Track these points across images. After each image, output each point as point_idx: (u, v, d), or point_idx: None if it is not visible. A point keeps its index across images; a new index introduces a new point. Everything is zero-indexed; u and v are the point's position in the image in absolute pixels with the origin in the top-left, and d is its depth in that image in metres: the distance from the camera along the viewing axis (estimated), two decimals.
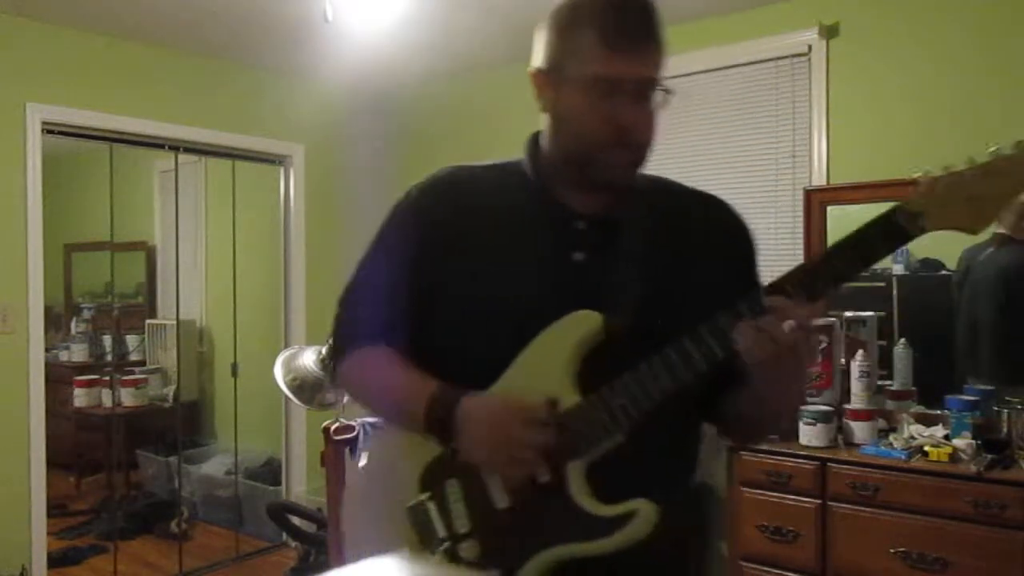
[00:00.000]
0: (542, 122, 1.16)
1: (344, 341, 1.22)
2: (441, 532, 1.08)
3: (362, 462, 1.29)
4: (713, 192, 1.24)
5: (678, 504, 1.09)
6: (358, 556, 1.11)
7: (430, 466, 1.10)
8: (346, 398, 2.75)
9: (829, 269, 0.98)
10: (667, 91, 1.07)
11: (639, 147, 1.09)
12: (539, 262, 1.10)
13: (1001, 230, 2.88)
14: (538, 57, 1.12)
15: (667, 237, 1.13)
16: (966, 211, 0.92)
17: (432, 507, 1.09)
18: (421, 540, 1.09)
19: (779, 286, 0.98)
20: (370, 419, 2.36)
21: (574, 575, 1.02)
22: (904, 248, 3.19)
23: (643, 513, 0.98)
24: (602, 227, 1.11)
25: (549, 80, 1.10)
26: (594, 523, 0.99)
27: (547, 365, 1.04)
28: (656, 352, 1.01)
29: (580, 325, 1.04)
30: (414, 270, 1.15)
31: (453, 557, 1.06)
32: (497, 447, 1.01)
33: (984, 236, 2.90)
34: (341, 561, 2.24)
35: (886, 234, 0.95)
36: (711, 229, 1.17)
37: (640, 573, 1.05)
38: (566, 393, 1.03)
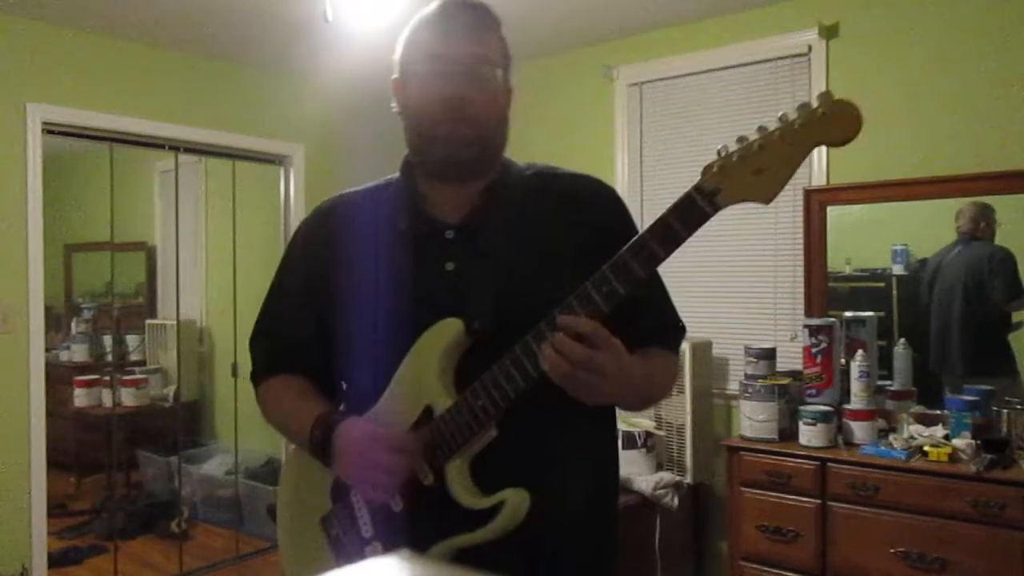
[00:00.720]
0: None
1: (256, 374, 1.34)
2: (350, 539, 1.17)
3: (279, 488, 1.36)
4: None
5: (571, 485, 1.16)
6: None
7: (337, 480, 1.19)
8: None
9: (629, 269, 0.99)
10: (497, 67, 1.16)
11: (476, 122, 1.14)
12: (415, 275, 1.17)
13: (964, 229, 2.91)
14: (394, 67, 1.22)
15: (530, 232, 1.18)
16: (755, 183, 0.96)
17: (342, 517, 1.19)
18: (334, 548, 1.18)
19: (581, 295, 1.01)
20: None
21: (484, 565, 1.07)
22: (904, 248, 3.23)
23: (511, 502, 1.04)
24: (469, 234, 1.17)
25: (399, 84, 1.20)
26: (472, 515, 1.06)
27: (422, 373, 1.12)
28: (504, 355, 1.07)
29: (445, 332, 1.11)
30: (308, 297, 1.27)
31: (363, 560, 1.11)
32: (361, 472, 1.11)
33: (947, 238, 2.94)
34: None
35: (684, 219, 0.97)
36: (574, 208, 1.21)
37: (542, 552, 1.13)
38: (440, 397, 1.10)
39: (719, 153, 0.99)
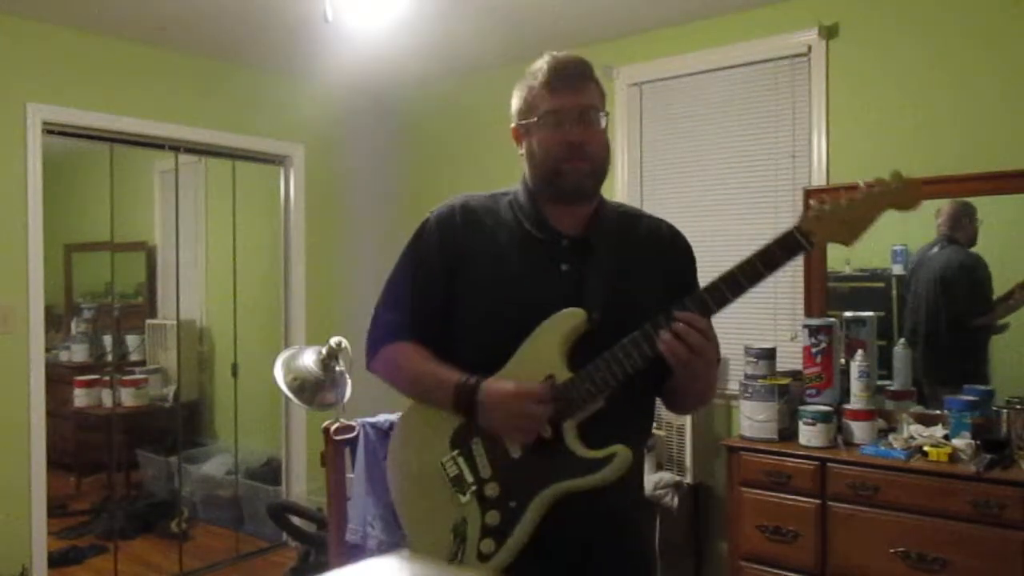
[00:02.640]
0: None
1: (378, 338, 1.54)
2: (470, 478, 1.40)
3: (392, 435, 1.58)
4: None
5: (640, 454, 1.50)
6: (409, 514, 1.50)
7: (458, 430, 1.43)
8: (346, 398, 2.75)
9: (737, 282, 1.30)
10: (606, 114, 1.45)
11: (592, 158, 1.43)
12: (536, 273, 1.43)
13: (942, 230, 2.93)
14: (512, 118, 1.49)
15: (631, 253, 1.48)
16: (842, 230, 1.30)
17: (461, 460, 1.41)
18: (454, 485, 1.40)
19: (682, 303, 1.32)
20: (370, 420, 2.36)
21: (567, 509, 1.34)
22: (904, 248, 3.23)
23: (621, 454, 1.31)
24: (580, 244, 1.45)
25: (521, 132, 1.47)
26: (586, 464, 1.33)
27: (545, 350, 1.38)
28: (621, 340, 1.34)
29: (568, 318, 1.37)
30: (437, 282, 1.47)
31: (480, 496, 1.38)
32: (510, 420, 1.35)
33: (931, 236, 2.95)
34: (341, 561, 2.24)
35: (786, 249, 1.30)
36: (658, 244, 1.54)
37: (607, 508, 1.39)
38: (560, 370, 1.36)
39: (810, 204, 1.33)
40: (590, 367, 1.34)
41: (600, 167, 1.46)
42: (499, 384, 1.37)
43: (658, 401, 1.58)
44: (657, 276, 1.48)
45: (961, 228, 2.91)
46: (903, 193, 1.34)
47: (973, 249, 2.92)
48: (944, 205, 2.92)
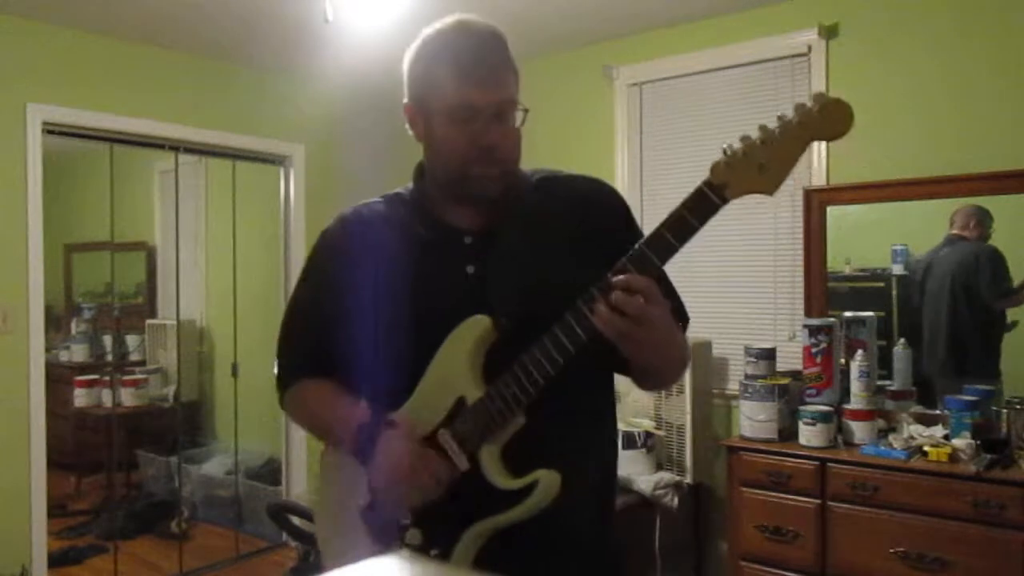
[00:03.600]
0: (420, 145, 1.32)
1: (284, 378, 1.41)
2: (391, 527, 1.23)
3: (318, 478, 1.44)
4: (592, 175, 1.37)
5: (594, 468, 1.28)
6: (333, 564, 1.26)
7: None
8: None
9: (654, 249, 1.09)
10: (524, 110, 1.22)
11: (504, 161, 1.23)
12: (437, 279, 1.26)
13: (955, 231, 2.92)
14: (406, 93, 1.27)
15: (543, 233, 1.27)
16: (760, 178, 1.07)
17: (383, 506, 1.24)
18: (375, 536, 1.25)
19: (618, 267, 1.10)
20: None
21: (508, 546, 1.17)
22: (904, 248, 3.22)
23: (544, 480, 1.12)
24: (486, 239, 1.26)
25: (416, 112, 1.26)
26: (506, 496, 1.14)
27: (453, 367, 1.21)
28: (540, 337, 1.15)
29: (473, 328, 1.19)
30: (332, 302, 1.32)
31: (402, 545, 1.22)
32: (393, 489, 1.20)
33: (941, 237, 2.94)
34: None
35: (696, 208, 1.08)
36: (577, 209, 1.30)
37: (560, 535, 1.20)
38: (470, 390, 1.19)
39: (724, 151, 1.09)
40: (499, 381, 1.16)
41: (512, 169, 1.26)
42: (392, 442, 1.20)
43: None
44: (584, 249, 1.23)
45: (971, 230, 2.90)
46: (828, 118, 1.04)
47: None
48: (959, 209, 2.91)
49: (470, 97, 1.18)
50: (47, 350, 3.69)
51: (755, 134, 1.08)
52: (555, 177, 1.35)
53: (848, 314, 3.03)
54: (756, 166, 1.07)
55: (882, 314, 3.03)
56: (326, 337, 1.33)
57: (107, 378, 5.02)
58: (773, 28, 3.29)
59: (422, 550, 1.20)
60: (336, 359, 1.32)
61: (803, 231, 3.20)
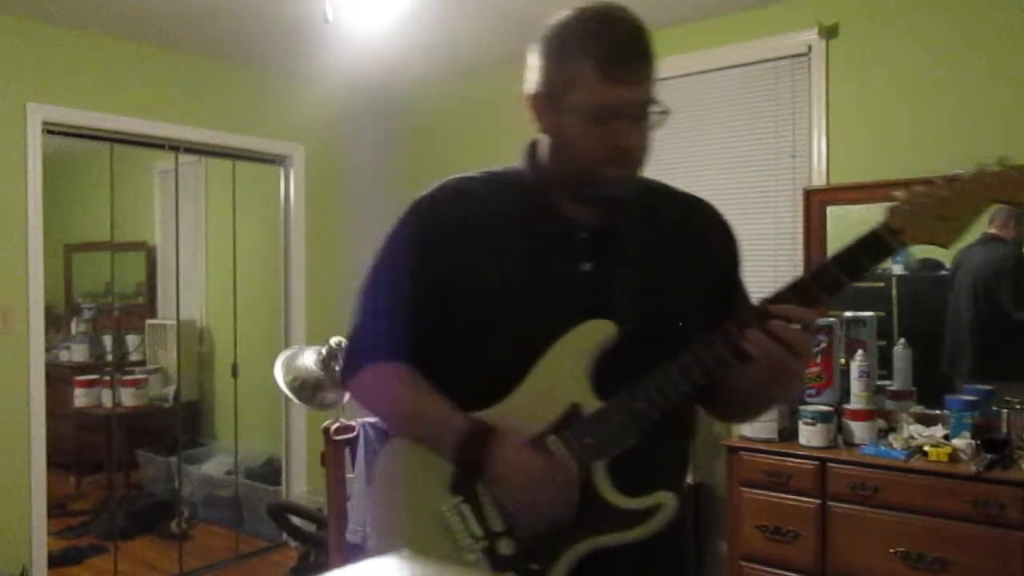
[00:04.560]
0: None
1: (357, 355, 1.26)
2: (478, 532, 1.14)
3: (377, 468, 1.28)
4: (706, 193, 1.33)
5: (681, 495, 1.18)
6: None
7: (460, 472, 1.16)
8: (346, 398, 2.75)
9: (821, 283, 1.08)
10: (663, 111, 1.13)
11: (638, 163, 1.16)
12: (549, 273, 1.16)
13: (991, 230, 2.90)
14: (532, 81, 1.16)
15: (663, 241, 1.21)
16: (940, 229, 1.06)
17: (466, 509, 1.15)
18: (456, 541, 1.15)
19: (779, 296, 1.08)
20: (370, 420, 2.36)
21: (598, 557, 1.11)
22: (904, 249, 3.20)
23: (669, 505, 1.10)
24: (604, 237, 1.17)
25: (546, 104, 1.14)
26: (622, 515, 1.10)
27: (565, 371, 1.12)
28: (662, 354, 1.10)
29: (595, 332, 1.12)
30: (423, 281, 1.20)
31: (490, 554, 1.13)
32: (530, 498, 1.10)
33: (975, 235, 2.93)
34: (341, 561, 2.24)
35: (871, 249, 1.06)
36: (700, 231, 1.26)
37: (647, 560, 1.15)
38: (586, 398, 1.12)
39: (900, 197, 1.07)
40: (626, 395, 1.10)
41: (641, 170, 1.19)
42: (516, 449, 1.10)
43: None
44: (699, 271, 1.20)
45: (1009, 229, 2.89)
46: (1015, 185, 1.05)
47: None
48: (1000, 208, 2.89)
49: (612, 97, 1.08)
50: (47, 350, 3.69)
51: (939, 185, 1.08)
52: (668, 189, 1.31)
53: (848, 314, 3.03)
54: (936, 217, 1.06)
55: (882, 314, 3.03)
56: (412, 316, 1.21)
57: (107, 378, 5.02)
58: (773, 28, 3.29)
59: (514, 561, 1.12)
60: (421, 342, 1.21)
61: (803, 231, 3.20)
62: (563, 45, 1.11)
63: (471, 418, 1.14)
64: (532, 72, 1.16)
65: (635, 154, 1.14)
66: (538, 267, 1.16)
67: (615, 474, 1.11)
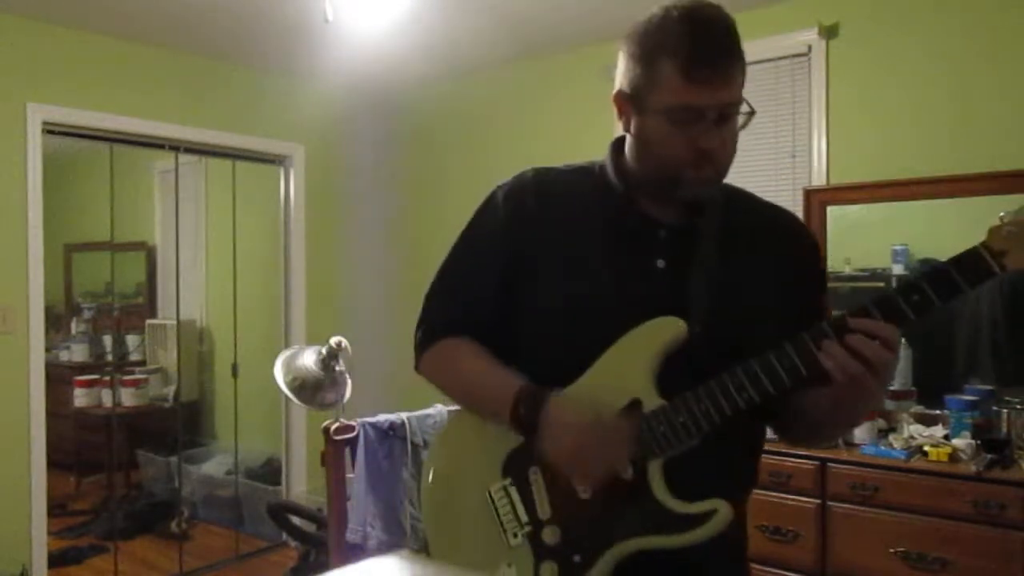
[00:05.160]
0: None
1: (430, 330, 1.27)
2: (524, 517, 1.14)
3: (435, 442, 1.30)
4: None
5: (740, 505, 1.17)
6: (439, 543, 1.23)
7: (513, 454, 1.16)
8: (346, 398, 2.75)
9: (908, 300, 1.01)
10: (750, 112, 1.13)
11: (723, 167, 1.14)
12: (624, 267, 1.16)
13: None
14: (619, 79, 1.17)
15: (742, 247, 1.18)
16: None
17: (515, 492, 1.15)
18: (502, 523, 1.15)
19: (862, 309, 1.02)
20: (370, 420, 2.36)
21: (642, 567, 1.09)
22: (904, 248, 3.22)
23: (722, 512, 1.06)
24: (682, 236, 1.16)
25: (631, 104, 1.14)
26: (674, 518, 1.07)
27: (630, 366, 1.11)
28: (730, 361, 1.06)
29: (665, 330, 1.10)
30: (501, 266, 1.22)
31: (534, 541, 1.13)
32: (580, 453, 1.08)
33: (971, 237, 2.91)
34: (341, 561, 2.24)
35: (969, 270, 0.99)
36: (783, 241, 1.22)
37: (700, 568, 1.13)
38: (648, 395, 1.10)
39: (1002, 218, 1.01)
40: (691, 395, 1.07)
41: (726, 172, 1.17)
42: (572, 404, 1.10)
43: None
44: (776, 281, 1.17)
45: None
46: None
47: None
48: (1011, 209, 2.88)
49: (695, 99, 1.07)
50: (47, 350, 3.69)
51: None
52: (752, 197, 1.28)
53: None
54: None
55: None
56: (489, 298, 1.22)
57: (107, 378, 5.02)
58: (773, 28, 3.29)
59: (557, 551, 1.11)
60: (493, 326, 1.22)
61: None
62: (648, 45, 1.10)
63: (529, 382, 1.14)
64: (620, 70, 1.17)
65: (719, 157, 1.12)
66: (613, 260, 1.16)
67: (673, 477, 1.09)
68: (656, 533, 1.07)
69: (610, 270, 1.16)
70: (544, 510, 1.13)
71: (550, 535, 1.12)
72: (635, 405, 1.09)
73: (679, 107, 1.07)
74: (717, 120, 1.09)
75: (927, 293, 1.00)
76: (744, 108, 1.12)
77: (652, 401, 1.09)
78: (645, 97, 1.11)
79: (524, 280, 1.20)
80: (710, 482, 1.08)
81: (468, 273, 1.26)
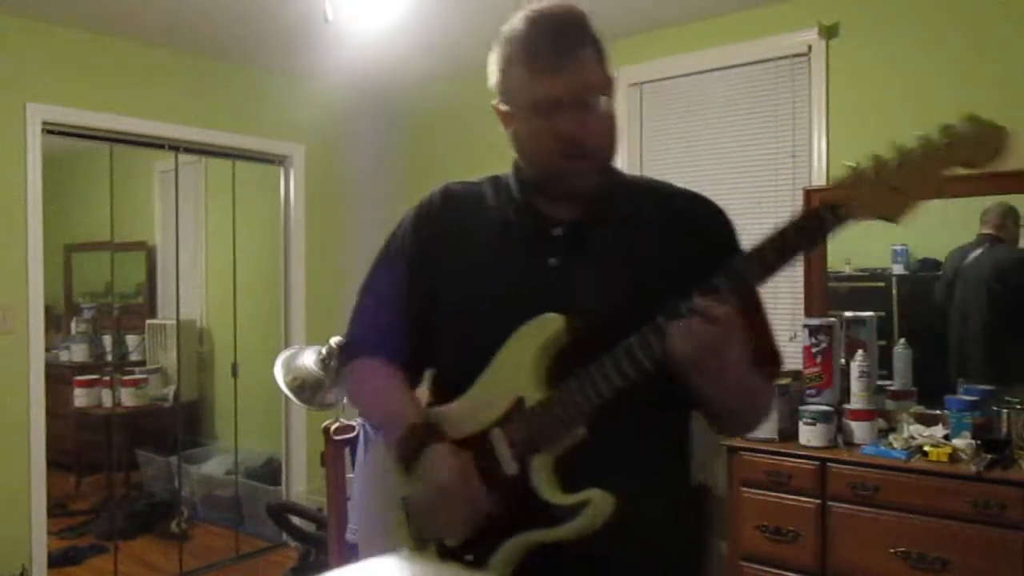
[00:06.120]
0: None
1: (347, 350, 1.35)
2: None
3: (368, 457, 1.39)
4: (705, 193, 1.29)
5: (656, 497, 1.13)
6: (368, 550, 1.26)
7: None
8: (346, 398, 2.75)
9: (754, 267, 1.02)
10: (604, 91, 1.15)
11: (595, 151, 1.16)
12: (518, 268, 1.19)
13: (987, 231, 2.90)
14: (493, 90, 1.22)
15: (642, 234, 1.19)
16: (889, 201, 0.96)
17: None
18: (412, 530, 1.18)
19: (710, 285, 1.02)
20: None
21: (550, 563, 1.09)
22: (904, 248, 3.22)
23: (596, 502, 1.04)
24: (577, 232, 1.18)
25: (504, 113, 1.20)
26: (553, 512, 1.07)
27: (516, 365, 1.13)
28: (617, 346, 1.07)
29: (545, 327, 1.12)
30: (412, 282, 1.27)
31: (439, 546, 1.15)
32: (436, 513, 1.12)
33: (969, 237, 2.93)
34: (341, 561, 2.24)
35: (807, 228, 1.00)
36: (683, 224, 1.21)
37: (615, 564, 1.11)
38: (532, 391, 1.11)
39: (852, 167, 0.98)
40: (564, 387, 1.09)
41: (605, 160, 1.19)
42: (442, 450, 1.12)
43: None
44: (678, 262, 1.13)
45: (1006, 229, 2.88)
46: (980, 143, 0.93)
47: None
48: (991, 206, 2.88)
49: (546, 88, 1.11)
50: (47, 350, 3.69)
51: (890, 153, 0.97)
52: (660, 187, 1.29)
53: (848, 314, 3.03)
54: (887, 188, 0.96)
55: (882, 314, 3.03)
56: (398, 314, 1.27)
57: (107, 378, 5.02)
58: (773, 28, 3.29)
59: (455, 553, 1.13)
60: (405, 339, 1.26)
61: None
62: (503, 54, 1.17)
63: (418, 416, 1.19)
64: (491, 84, 1.22)
65: (589, 143, 1.13)
66: (507, 262, 1.20)
67: (568, 473, 1.09)
68: (538, 527, 1.08)
69: (504, 272, 1.19)
70: (452, 535, 1.15)
71: (450, 539, 1.14)
72: (519, 403, 1.11)
73: (535, 100, 1.12)
74: (575, 106, 1.11)
75: (768, 258, 1.00)
76: (600, 91, 1.14)
77: (535, 397, 1.11)
78: (511, 102, 1.17)
79: (433, 292, 1.24)
80: (612, 478, 1.06)
81: (380, 292, 1.31)
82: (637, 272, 1.15)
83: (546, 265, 1.17)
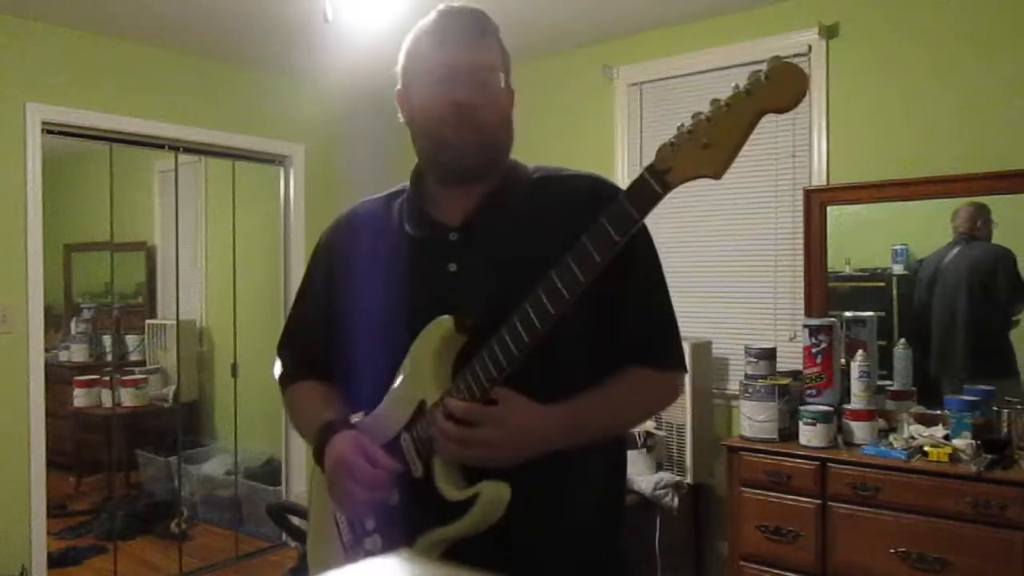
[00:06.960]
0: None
1: (282, 380, 1.42)
2: (356, 531, 1.21)
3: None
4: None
5: (558, 467, 1.14)
6: (315, 548, 1.32)
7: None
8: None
9: (598, 242, 1.01)
10: (497, 72, 1.20)
11: (483, 127, 1.17)
12: (420, 277, 1.22)
13: (962, 229, 2.91)
14: (397, 80, 1.27)
15: (530, 233, 1.19)
16: (705, 157, 0.94)
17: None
18: (343, 540, 1.23)
19: (555, 273, 1.03)
20: None
21: (471, 550, 1.08)
22: (904, 248, 3.22)
23: (486, 494, 1.05)
24: (471, 235, 1.20)
25: (405, 95, 1.25)
26: (451, 507, 1.08)
27: (418, 369, 1.16)
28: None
29: (437, 330, 1.14)
30: (327, 303, 1.32)
31: (366, 552, 1.18)
32: (340, 490, 1.17)
33: (947, 237, 2.93)
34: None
35: (636, 197, 0.99)
36: (572, 207, 1.17)
37: (529, 539, 1.14)
38: (431, 392, 1.14)
39: (677, 130, 0.97)
40: (452, 388, 1.11)
41: (493, 140, 1.19)
42: (340, 442, 1.17)
43: None
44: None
45: (978, 228, 2.90)
46: (777, 86, 0.92)
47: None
48: (961, 207, 2.91)
49: (446, 57, 1.17)
50: (47, 350, 3.69)
51: (705, 110, 0.95)
52: (555, 175, 1.28)
53: (848, 314, 3.03)
54: (701, 145, 0.94)
55: (882, 314, 3.03)
56: (320, 339, 1.32)
57: (107, 378, 5.02)
58: (773, 28, 3.29)
59: (375, 556, 1.15)
60: (330, 362, 1.32)
61: (803, 231, 3.20)
62: (413, 38, 1.25)
63: (331, 420, 1.22)
64: (397, 73, 1.27)
65: (479, 113, 1.16)
66: (414, 272, 1.22)
67: (472, 468, 1.09)
68: (439, 524, 1.09)
69: (408, 283, 1.22)
70: (370, 522, 1.19)
71: (371, 544, 1.18)
72: (422, 406, 1.14)
73: (433, 67, 1.17)
74: (471, 79, 1.16)
75: (608, 232, 1.00)
76: (493, 71, 1.19)
77: (433, 397, 1.13)
78: (412, 79, 1.22)
79: (343, 312, 1.28)
80: (527, 471, 1.08)
81: (303, 318, 1.39)
82: (531, 266, 1.10)
83: (446, 271, 1.19)
